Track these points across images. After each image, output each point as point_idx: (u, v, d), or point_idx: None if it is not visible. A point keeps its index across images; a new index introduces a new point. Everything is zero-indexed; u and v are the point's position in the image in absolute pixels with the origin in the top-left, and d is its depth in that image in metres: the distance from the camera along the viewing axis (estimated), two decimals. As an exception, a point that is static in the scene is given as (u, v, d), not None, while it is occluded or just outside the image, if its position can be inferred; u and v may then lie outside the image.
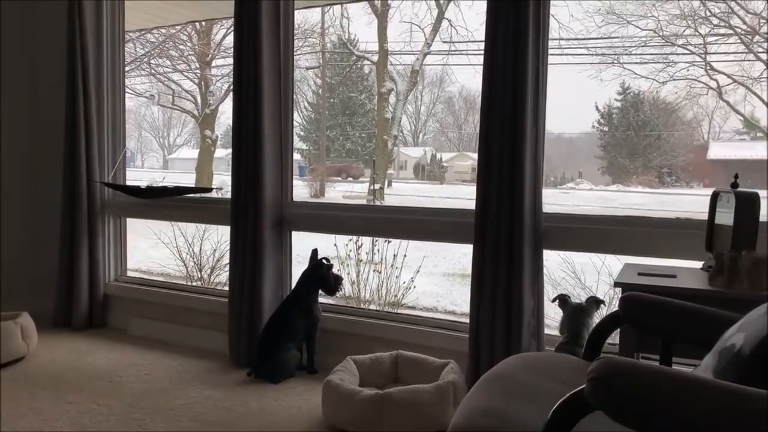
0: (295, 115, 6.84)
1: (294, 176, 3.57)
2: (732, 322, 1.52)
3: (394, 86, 7.09)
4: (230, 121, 3.37)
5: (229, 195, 3.36)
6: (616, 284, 2.04)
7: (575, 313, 2.46)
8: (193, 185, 7.51)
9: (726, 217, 2.15)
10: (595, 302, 2.48)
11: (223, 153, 8.78)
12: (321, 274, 3.13)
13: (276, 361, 2.98)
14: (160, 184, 3.70)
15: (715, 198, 2.24)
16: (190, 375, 3.10)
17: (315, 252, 3.20)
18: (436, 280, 5.99)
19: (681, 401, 1.08)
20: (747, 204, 2.03)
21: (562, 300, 2.53)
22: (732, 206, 2.09)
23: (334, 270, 3.23)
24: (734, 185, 2.12)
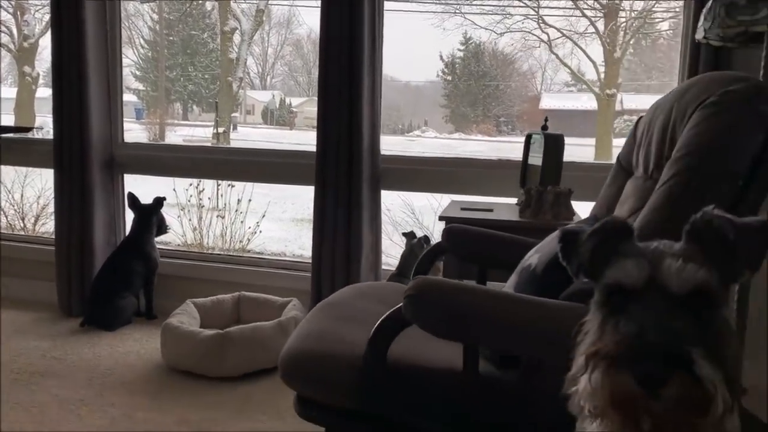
0: (130, 52, 6.32)
1: (131, 120, 3.37)
2: (533, 246, 1.72)
3: (238, 25, 6.81)
4: (51, 56, 3.07)
5: (51, 135, 3.10)
6: (441, 218, 2.21)
7: (408, 249, 2.67)
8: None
9: (535, 158, 2.39)
10: (423, 239, 2.69)
11: (47, 93, 7.95)
12: (151, 216, 3.03)
13: (111, 308, 2.87)
14: (-31, 123, 3.32)
15: (528, 140, 2.48)
16: (14, 327, 2.89)
17: (132, 196, 3.07)
18: (285, 226, 6.01)
19: (481, 310, 1.23)
20: (553, 144, 2.27)
21: (410, 234, 2.77)
22: (541, 148, 2.33)
23: (168, 214, 3.15)
24: (544, 128, 2.35)
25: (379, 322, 1.31)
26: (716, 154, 1.28)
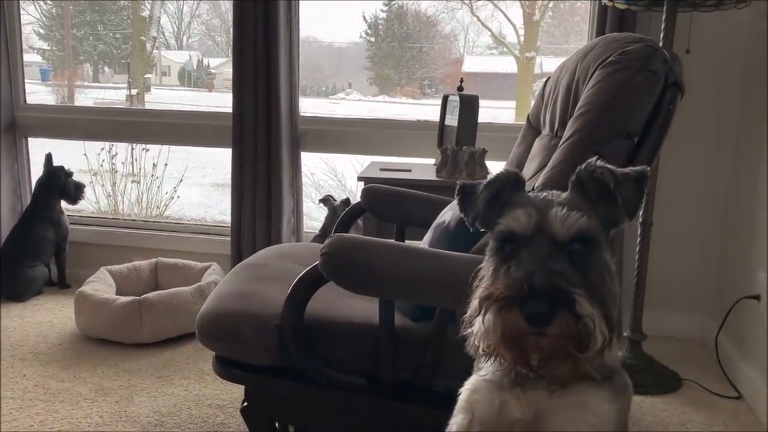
0: (32, 8, 5.94)
1: (36, 81, 3.18)
2: (448, 204, 1.77)
3: (149, -19, 6.46)
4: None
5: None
6: (359, 178, 2.23)
7: (331, 211, 2.69)
8: None
9: (452, 119, 2.43)
10: (344, 202, 2.71)
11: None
12: (60, 182, 2.89)
13: (20, 279, 2.75)
14: None
15: (445, 101, 2.52)
16: None
17: (49, 156, 2.92)
18: (205, 191, 5.87)
19: (394, 265, 1.26)
20: (468, 105, 2.32)
21: (326, 200, 2.75)
22: (457, 109, 2.37)
23: (81, 180, 3.01)
24: (460, 89, 2.39)
25: (296, 279, 1.33)
26: (613, 111, 1.35)
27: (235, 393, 2.03)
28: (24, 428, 1.83)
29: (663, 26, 2.10)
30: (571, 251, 0.75)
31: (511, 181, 0.83)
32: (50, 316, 2.63)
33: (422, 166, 2.55)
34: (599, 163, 0.80)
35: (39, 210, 2.85)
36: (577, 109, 1.39)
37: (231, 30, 2.75)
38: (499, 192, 0.83)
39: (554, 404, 0.79)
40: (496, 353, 0.75)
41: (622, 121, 1.34)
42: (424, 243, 1.64)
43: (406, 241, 1.97)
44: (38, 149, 3.13)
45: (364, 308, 1.44)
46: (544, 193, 0.80)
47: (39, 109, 3.09)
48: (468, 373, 1.38)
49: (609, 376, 0.82)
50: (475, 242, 1.39)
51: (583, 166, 0.80)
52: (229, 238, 2.84)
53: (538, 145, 1.68)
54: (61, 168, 2.91)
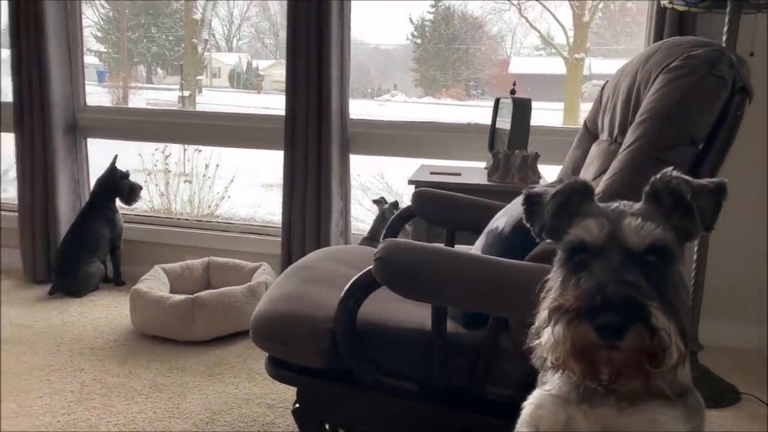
0: (90, 12, 6.13)
1: (94, 83, 3.29)
2: (500, 209, 1.75)
3: (201, -15, 6.60)
4: (5, 17, 2.97)
5: (9, 99, 3.00)
6: (410, 182, 2.22)
7: (380, 214, 2.71)
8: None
9: (503, 122, 2.40)
10: (393, 205, 2.72)
11: (6, 54, 7.62)
12: (114, 182, 2.97)
13: (79, 275, 2.84)
14: None
15: (497, 104, 2.49)
16: (-23, 295, 2.85)
17: (115, 158, 3.01)
18: (254, 191, 5.96)
19: (449, 271, 1.25)
20: (521, 109, 2.29)
21: (378, 201, 2.81)
22: (509, 113, 2.34)
23: (137, 180, 3.09)
24: (512, 92, 2.36)
25: (349, 283, 1.33)
26: (677, 117, 1.31)
27: (284, 393, 2.05)
28: (82, 420, 1.89)
29: (726, 28, 2.03)
30: (645, 263, 0.73)
31: (579, 190, 0.81)
32: (106, 312, 2.70)
33: (471, 169, 2.53)
34: (675, 173, 0.77)
35: (96, 208, 2.94)
36: (638, 114, 1.36)
37: (281, 32, 2.80)
38: (567, 201, 0.81)
39: (624, 422, 0.77)
40: (564, 366, 0.74)
41: (686, 128, 1.30)
42: (476, 249, 1.63)
43: (456, 246, 1.96)
44: (95, 149, 3.23)
45: (415, 313, 1.43)
46: (615, 204, 0.78)
47: (97, 110, 3.20)
48: (521, 382, 1.36)
49: (682, 394, 0.79)
50: (529, 250, 1.37)
51: (659, 176, 0.78)
52: (279, 239, 2.87)
53: (595, 151, 1.64)
54: (119, 170, 3.00)
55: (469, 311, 1.39)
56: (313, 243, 2.77)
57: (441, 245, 1.87)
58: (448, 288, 1.27)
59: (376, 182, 4.37)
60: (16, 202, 3.12)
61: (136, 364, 2.26)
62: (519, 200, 1.60)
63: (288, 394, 2.04)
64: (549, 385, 0.81)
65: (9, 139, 3.12)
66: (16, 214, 3.10)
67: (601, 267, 0.73)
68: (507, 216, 1.55)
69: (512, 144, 2.26)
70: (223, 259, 2.85)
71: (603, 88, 1.73)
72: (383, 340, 1.39)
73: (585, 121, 1.81)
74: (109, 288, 2.99)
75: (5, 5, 2.88)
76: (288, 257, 2.82)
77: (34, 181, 2.96)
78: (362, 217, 3.73)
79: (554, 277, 0.79)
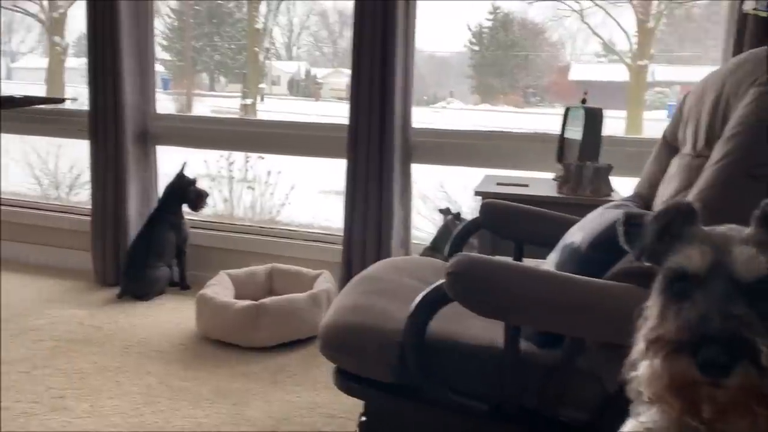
0: (157, 21, 6.32)
1: (158, 90, 3.38)
2: (573, 223, 1.70)
3: (264, -6, 6.73)
4: (82, 27, 3.09)
5: (85, 107, 3.12)
6: (477, 193, 2.19)
7: (443, 225, 2.68)
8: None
9: (574, 132, 2.34)
10: (455, 216, 2.70)
11: (77, 63, 7.96)
12: (181, 189, 3.04)
13: (146, 279, 2.92)
14: (6, 94, 3.35)
15: (566, 113, 2.43)
16: (52, 295, 2.97)
17: (183, 165, 3.09)
18: (311, 197, 6.03)
19: (527, 289, 1.21)
20: (593, 119, 2.23)
21: (444, 211, 2.79)
22: (579, 122, 2.28)
23: (203, 186, 3.16)
24: (583, 101, 2.30)
25: (419, 297, 1.31)
26: (771, 132, 1.24)
27: (347, 403, 2.04)
28: (150, 423, 1.93)
29: (815, 35, 1.92)
30: (754, 295, 0.68)
31: (683, 213, 0.76)
32: (171, 316, 2.77)
33: (539, 180, 2.47)
34: (790, 197, 0.72)
35: (163, 214, 3.02)
36: (728, 129, 1.29)
37: (339, 41, 2.81)
38: (669, 224, 0.77)
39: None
40: (662, 402, 0.69)
41: (781, 143, 1.23)
42: (548, 264, 1.58)
43: (524, 260, 1.91)
44: (162, 156, 3.32)
45: (487, 329, 1.40)
46: (721, 228, 0.73)
47: (166, 118, 3.29)
48: (595, 405, 1.31)
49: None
50: (607, 268, 1.32)
51: (771, 199, 0.73)
52: (340, 247, 2.88)
53: (676, 165, 1.57)
54: (186, 176, 3.07)
55: (545, 331, 1.35)
56: (374, 252, 2.76)
57: (511, 259, 1.84)
58: (523, 306, 1.23)
59: (435, 191, 4.35)
60: (86, 205, 3.25)
61: (201, 368, 2.30)
62: (596, 215, 1.56)
63: (350, 404, 2.03)
64: (644, 417, 0.77)
65: (81, 145, 3.24)
66: (87, 217, 3.21)
67: (704, 297, 0.68)
68: (584, 232, 1.50)
69: (583, 155, 2.20)
70: (286, 266, 2.88)
71: (684, 99, 1.66)
72: (453, 357, 1.36)
73: (664, 134, 1.74)
74: (175, 292, 3.06)
75: (82, 17, 3.00)
76: (348, 266, 2.83)
77: (106, 187, 3.06)
78: (420, 225, 3.71)
79: (652, 305, 0.75)
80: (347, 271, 2.83)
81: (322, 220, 5.14)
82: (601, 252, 1.37)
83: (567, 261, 1.47)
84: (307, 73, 8.94)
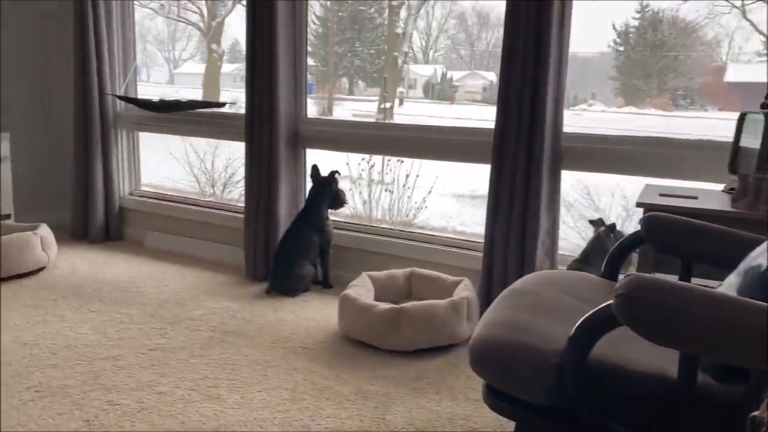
0: (304, 29, 6.54)
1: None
2: (754, 243, 1.53)
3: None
4: (236, 35, 3.28)
5: (242, 111, 3.31)
6: (638, 204, 2.04)
7: (595, 237, 2.55)
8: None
9: (750, 140, 2.11)
10: (609, 228, 2.55)
11: (230, 68, 8.54)
12: (333, 189, 3.13)
13: (292, 276, 3.04)
14: (173, 98, 3.65)
15: (742, 119, 2.20)
16: (207, 287, 3.17)
17: (315, 168, 3.17)
18: (446, 201, 6.00)
19: (708, 317, 1.09)
20: (776, 126, 1.99)
21: (596, 222, 2.68)
22: (757, 129, 2.05)
23: (344, 187, 3.25)
24: (764, 106, 2.07)
25: (583, 319, 1.23)
26: None
27: (488, 417, 1.99)
28: (296, 420, 1.98)
29: None
30: None
31: None
32: (315, 313, 2.86)
33: (707, 192, 2.26)
34: None
35: (309, 215, 3.12)
36: None
37: (477, 43, 2.74)
38: None
39: None
40: None
41: None
42: (727, 288, 1.42)
43: (692, 280, 1.75)
44: (310, 158, 3.43)
45: (656, 356, 1.29)
46: None
47: (315, 122, 3.41)
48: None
49: None
50: (803, 296, 1.16)
51: None
52: (480, 254, 2.82)
53: None
54: (332, 176, 3.16)
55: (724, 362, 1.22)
56: (516, 263, 2.67)
57: (674, 278, 1.69)
58: (701, 334, 1.11)
59: (581, 198, 4.15)
60: (238, 203, 3.44)
61: (343, 368, 2.34)
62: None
63: (491, 419, 1.98)
64: None
65: (235, 146, 3.43)
66: (240, 214, 3.40)
67: None
68: (772, 254, 1.33)
69: (762, 166, 1.97)
70: (426, 270, 2.87)
71: None
72: (617, 384, 1.26)
73: None
74: (318, 290, 3.16)
75: (237, 25, 3.17)
76: (489, 275, 2.76)
77: (259, 187, 3.23)
78: (563, 235, 3.55)
79: None
80: (488, 280, 2.77)
81: (457, 225, 5.10)
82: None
83: (752, 286, 1.32)
84: (443, 76, 8.93)
